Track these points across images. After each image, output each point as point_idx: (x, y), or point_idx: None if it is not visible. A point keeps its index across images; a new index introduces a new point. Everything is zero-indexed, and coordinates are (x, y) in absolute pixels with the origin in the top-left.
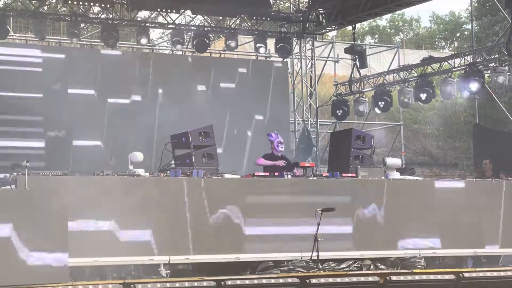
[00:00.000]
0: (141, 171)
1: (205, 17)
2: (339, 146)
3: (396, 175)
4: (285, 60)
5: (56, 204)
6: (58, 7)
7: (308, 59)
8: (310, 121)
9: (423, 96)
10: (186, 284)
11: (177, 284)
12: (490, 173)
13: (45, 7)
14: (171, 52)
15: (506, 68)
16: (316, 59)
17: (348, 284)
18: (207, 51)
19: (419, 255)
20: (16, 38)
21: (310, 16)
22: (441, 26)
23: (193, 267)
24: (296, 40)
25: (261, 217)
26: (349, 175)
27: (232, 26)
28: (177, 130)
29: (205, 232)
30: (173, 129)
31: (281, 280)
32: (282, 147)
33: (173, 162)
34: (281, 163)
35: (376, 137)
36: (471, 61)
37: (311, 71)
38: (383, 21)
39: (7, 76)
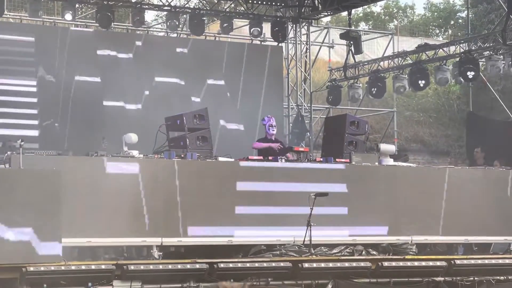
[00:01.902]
0: (135, 153)
1: (201, 0)
2: (333, 132)
3: (389, 161)
4: (279, 44)
5: (50, 184)
6: None
7: (303, 44)
8: (304, 106)
9: (418, 83)
10: (179, 266)
11: (170, 266)
12: (482, 161)
13: None
14: (165, 34)
15: (501, 56)
16: (311, 44)
17: (340, 269)
18: (203, 34)
19: (411, 242)
20: (10, 17)
21: (306, 1)
22: (436, 13)
23: (185, 249)
24: (291, 25)
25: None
26: (343, 160)
27: (227, 9)
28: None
29: (197, 214)
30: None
31: (273, 264)
32: (273, 130)
33: (167, 144)
34: (276, 145)
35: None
36: (466, 49)
37: (306, 56)
38: (377, 7)
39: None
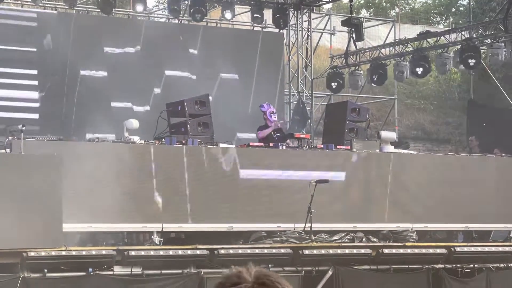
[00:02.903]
0: (136, 138)
1: None
2: (334, 118)
3: (390, 148)
4: (281, 31)
5: (51, 169)
6: None
7: (304, 30)
8: (305, 93)
9: (419, 70)
10: (180, 252)
11: (171, 252)
12: (477, 149)
13: None
14: (166, 20)
15: (503, 44)
16: (312, 31)
17: (341, 256)
18: (203, 20)
19: (411, 229)
20: (11, 1)
21: None
22: (437, 1)
23: (186, 235)
24: (292, 11)
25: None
26: (344, 147)
27: None
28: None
29: (199, 201)
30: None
31: (274, 251)
32: (275, 117)
33: (168, 130)
34: (276, 124)
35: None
36: (468, 36)
37: (307, 43)
38: None
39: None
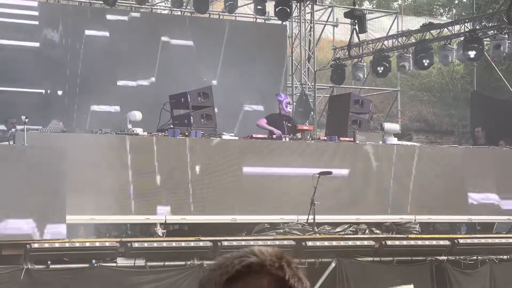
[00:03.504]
0: (139, 130)
1: None
2: (337, 110)
3: (393, 140)
4: (284, 23)
5: (54, 161)
6: None
7: (307, 22)
8: (308, 85)
9: (422, 62)
10: (183, 244)
11: (174, 244)
12: (483, 141)
13: None
14: (169, 12)
15: (506, 36)
16: (315, 23)
17: (344, 248)
18: (207, 12)
19: (414, 221)
20: None
21: None
22: None
23: (189, 227)
24: (295, 3)
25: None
26: (347, 139)
27: None
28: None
29: (202, 193)
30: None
31: (277, 243)
32: (290, 108)
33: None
34: (278, 133)
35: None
36: (471, 28)
37: (310, 35)
38: None
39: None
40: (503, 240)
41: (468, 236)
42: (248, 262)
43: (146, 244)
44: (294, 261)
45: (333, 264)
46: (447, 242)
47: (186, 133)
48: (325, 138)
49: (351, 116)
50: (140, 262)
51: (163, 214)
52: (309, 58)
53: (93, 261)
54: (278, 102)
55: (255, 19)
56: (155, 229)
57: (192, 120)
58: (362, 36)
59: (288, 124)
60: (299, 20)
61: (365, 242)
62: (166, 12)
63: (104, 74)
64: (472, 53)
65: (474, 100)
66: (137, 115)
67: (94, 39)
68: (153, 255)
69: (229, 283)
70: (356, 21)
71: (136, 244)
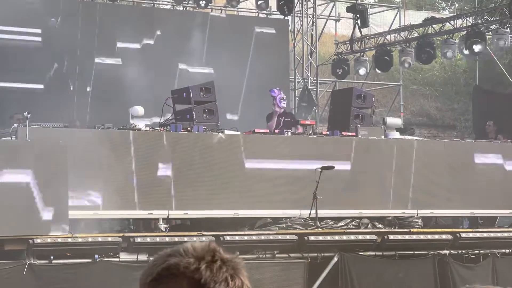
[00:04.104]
0: (141, 125)
1: None
2: (339, 105)
3: (396, 134)
4: (286, 17)
5: (57, 157)
6: None
7: (309, 17)
8: (310, 79)
9: (424, 56)
10: (185, 239)
11: (176, 239)
12: (494, 135)
13: None
14: (171, 7)
15: (508, 30)
16: (317, 18)
17: (346, 242)
18: (208, 7)
19: (417, 215)
20: None
21: None
22: None
23: (192, 222)
24: None
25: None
26: (349, 134)
27: None
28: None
29: (205, 188)
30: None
31: (279, 237)
32: (284, 103)
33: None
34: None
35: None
36: (473, 22)
37: (312, 30)
38: None
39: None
40: (506, 234)
41: (471, 230)
42: (166, 264)
43: (148, 239)
44: (226, 260)
45: (335, 259)
46: (449, 236)
47: (189, 128)
48: (327, 132)
49: (353, 111)
50: (143, 257)
51: (166, 209)
52: (311, 53)
53: (96, 256)
54: (272, 98)
55: (257, 14)
56: (158, 224)
57: (194, 115)
58: (364, 31)
59: (286, 119)
60: (301, 15)
61: (368, 237)
62: (168, 7)
63: None
64: (477, 47)
65: (476, 94)
66: (139, 110)
67: None
68: (155, 250)
69: (153, 284)
70: (358, 15)
71: (138, 239)
